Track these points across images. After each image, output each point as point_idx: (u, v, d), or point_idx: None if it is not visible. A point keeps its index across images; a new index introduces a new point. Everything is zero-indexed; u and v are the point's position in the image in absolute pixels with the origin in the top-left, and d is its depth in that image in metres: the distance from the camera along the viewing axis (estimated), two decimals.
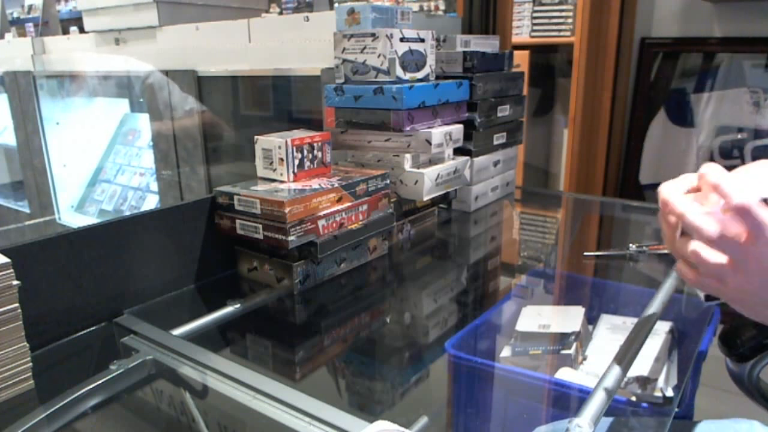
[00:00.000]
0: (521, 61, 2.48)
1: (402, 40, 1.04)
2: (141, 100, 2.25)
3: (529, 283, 1.01)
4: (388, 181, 1.04)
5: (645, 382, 0.71)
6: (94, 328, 0.80)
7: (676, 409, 0.65)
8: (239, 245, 0.97)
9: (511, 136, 1.39)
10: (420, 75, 1.10)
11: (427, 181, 1.08)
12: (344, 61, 1.08)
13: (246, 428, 0.66)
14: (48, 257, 0.74)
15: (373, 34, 1.03)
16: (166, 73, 1.75)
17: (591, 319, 0.87)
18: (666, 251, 1.00)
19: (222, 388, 0.66)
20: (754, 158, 2.00)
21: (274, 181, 0.98)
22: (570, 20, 2.54)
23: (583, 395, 0.57)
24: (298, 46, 1.43)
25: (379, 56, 1.03)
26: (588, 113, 2.18)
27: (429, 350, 0.80)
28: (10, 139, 2.60)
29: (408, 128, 1.06)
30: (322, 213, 0.91)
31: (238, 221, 0.92)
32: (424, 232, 1.21)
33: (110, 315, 0.82)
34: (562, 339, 0.78)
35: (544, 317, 0.84)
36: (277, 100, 1.63)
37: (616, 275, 1.03)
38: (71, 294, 0.77)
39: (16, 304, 0.64)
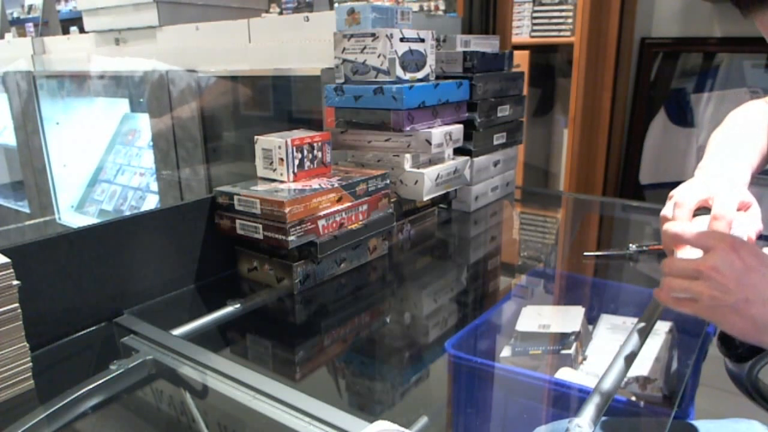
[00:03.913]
0: (521, 61, 2.48)
1: (402, 40, 1.04)
2: (141, 100, 2.25)
3: (529, 283, 1.01)
4: (388, 181, 1.04)
5: (645, 382, 0.71)
6: (94, 328, 0.80)
7: (676, 409, 0.65)
8: (239, 245, 0.97)
9: (511, 136, 1.39)
10: (420, 75, 1.10)
11: (427, 181, 1.08)
12: (344, 61, 1.08)
13: (246, 428, 0.66)
14: (48, 257, 0.74)
15: (373, 34, 1.03)
16: (166, 73, 1.75)
17: (591, 319, 0.87)
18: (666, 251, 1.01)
19: (222, 388, 0.66)
20: None
21: (274, 181, 0.98)
22: (570, 20, 2.54)
23: (583, 395, 0.57)
24: (298, 46, 1.43)
25: (379, 56, 1.03)
26: (588, 113, 2.18)
27: (429, 350, 0.80)
28: (10, 139, 2.60)
29: (408, 128, 1.06)
30: (322, 213, 0.91)
31: (238, 221, 0.92)
32: (424, 232, 1.21)
33: (110, 315, 0.82)
34: (562, 339, 0.78)
35: (544, 317, 0.83)
36: (277, 100, 1.63)
37: (616, 275, 1.03)
38: (71, 294, 0.77)
39: (16, 304, 0.64)
